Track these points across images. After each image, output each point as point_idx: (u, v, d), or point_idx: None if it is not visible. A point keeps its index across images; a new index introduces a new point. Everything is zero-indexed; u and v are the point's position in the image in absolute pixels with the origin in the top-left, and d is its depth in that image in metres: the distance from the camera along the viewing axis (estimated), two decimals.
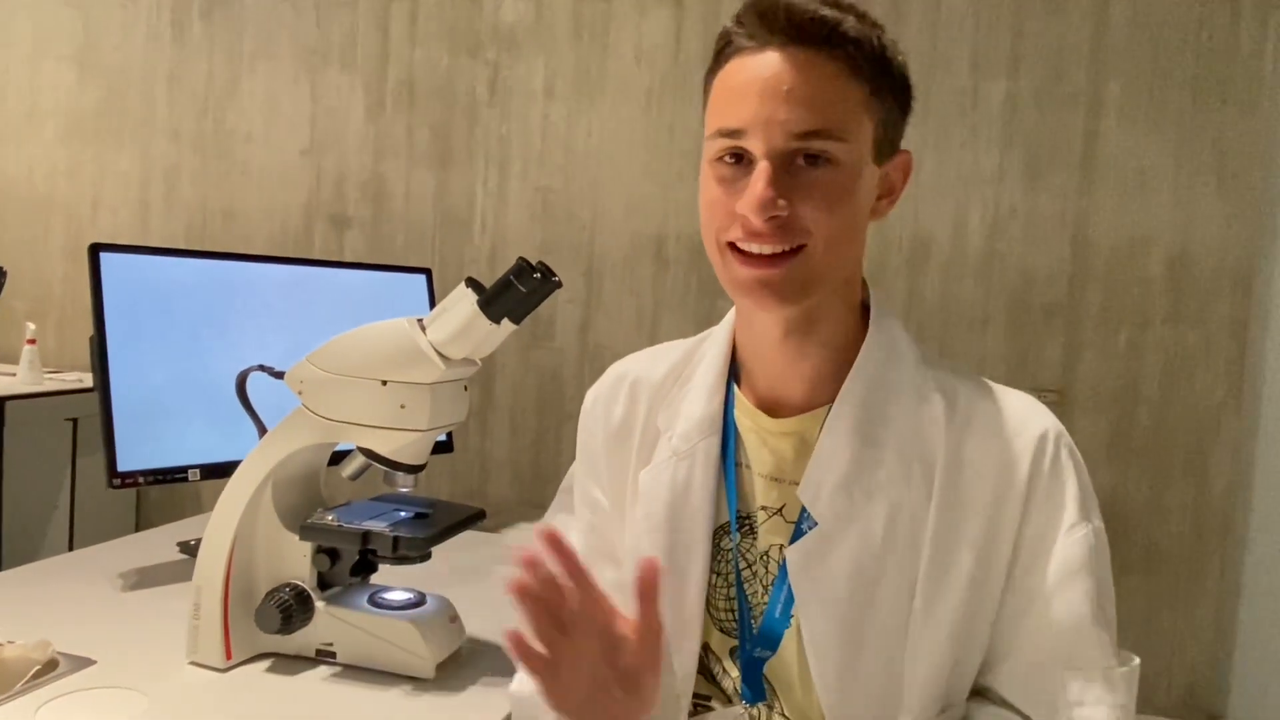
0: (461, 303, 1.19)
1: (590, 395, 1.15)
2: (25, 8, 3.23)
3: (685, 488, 1.01)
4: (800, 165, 0.88)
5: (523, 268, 1.18)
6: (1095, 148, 2.37)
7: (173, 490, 3.02)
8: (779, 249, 0.89)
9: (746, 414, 1.02)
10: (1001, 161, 2.42)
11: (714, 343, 1.06)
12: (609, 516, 1.10)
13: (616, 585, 1.07)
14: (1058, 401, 2.28)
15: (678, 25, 2.62)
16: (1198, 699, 2.31)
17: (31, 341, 2.87)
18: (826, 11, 0.87)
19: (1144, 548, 2.32)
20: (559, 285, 1.22)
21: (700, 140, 0.95)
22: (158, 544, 1.75)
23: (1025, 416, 0.95)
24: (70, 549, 2.71)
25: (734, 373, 1.04)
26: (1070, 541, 0.90)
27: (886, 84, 0.91)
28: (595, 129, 2.69)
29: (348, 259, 2.88)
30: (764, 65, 0.88)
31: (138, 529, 2.89)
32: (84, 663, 1.24)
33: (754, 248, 0.89)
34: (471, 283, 1.20)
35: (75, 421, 2.87)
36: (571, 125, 2.71)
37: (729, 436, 1.02)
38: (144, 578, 1.58)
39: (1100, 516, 0.93)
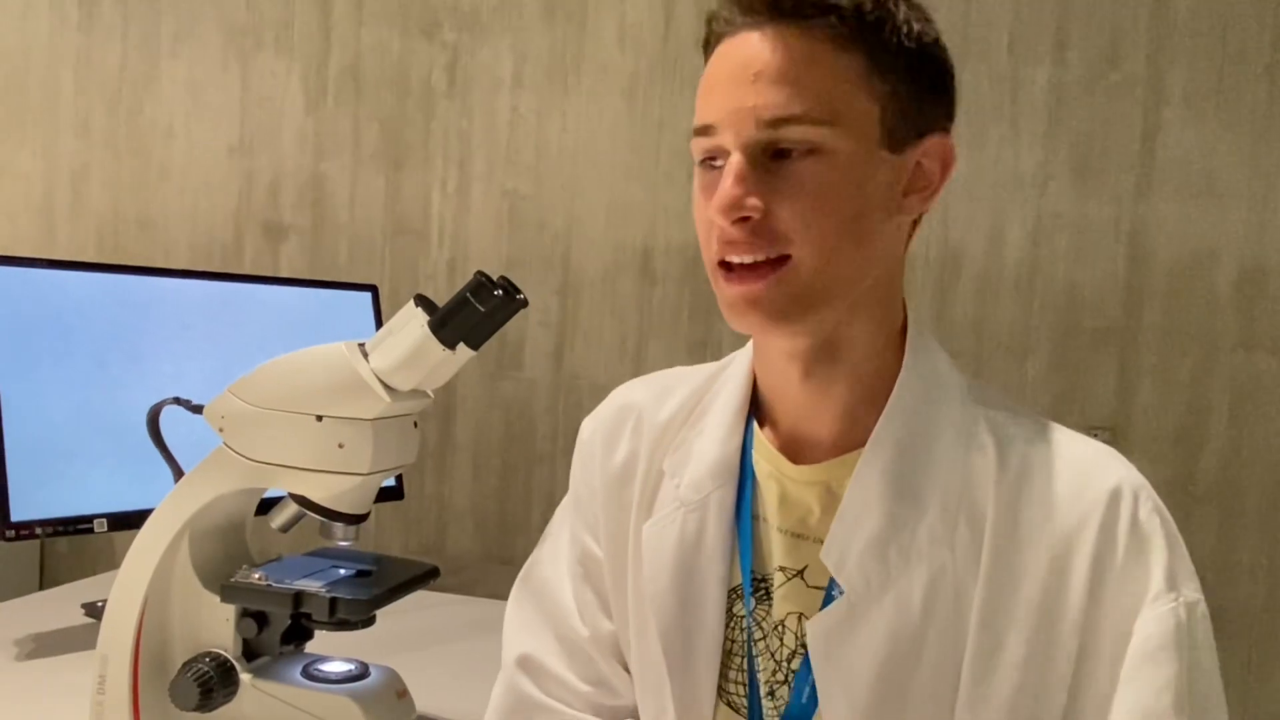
0: (410, 325, 1.19)
1: (588, 426, 1.15)
2: None
3: (696, 544, 1.01)
4: (781, 159, 0.89)
5: (481, 283, 1.18)
6: (1155, 144, 2.37)
7: (82, 542, 3.02)
8: (758, 257, 0.89)
9: (766, 458, 1.01)
10: (1045, 160, 2.43)
11: (732, 374, 1.06)
12: (602, 567, 1.11)
13: (611, 638, 1.10)
14: (1110, 441, 2.24)
15: (667, 2, 2.63)
16: None
17: None
18: None
19: (1210, 614, 2.31)
20: (524, 304, 1.22)
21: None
22: (60, 605, 1.76)
23: (1095, 467, 0.93)
24: None
25: (755, 410, 1.04)
26: (1153, 616, 0.87)
27: (893, 55, 0.91)
28: (571, 123, 2.71)
29: (283, 274, 2.89)
30: (737, 49, 0.90)
31: (42, 586, 2.89)
32: None
33: (733, 258, 0.90)
34: (422, 301, 1.20)
35: None
36: (543, 118, 2.73)
37: (746, 484, 1.01)
38: (42, 645, 1.58)
39: (1198, 588, 0.90)
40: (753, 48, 0.89)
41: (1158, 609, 0.87)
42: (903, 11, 0.91)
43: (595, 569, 1.12)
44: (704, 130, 0.91)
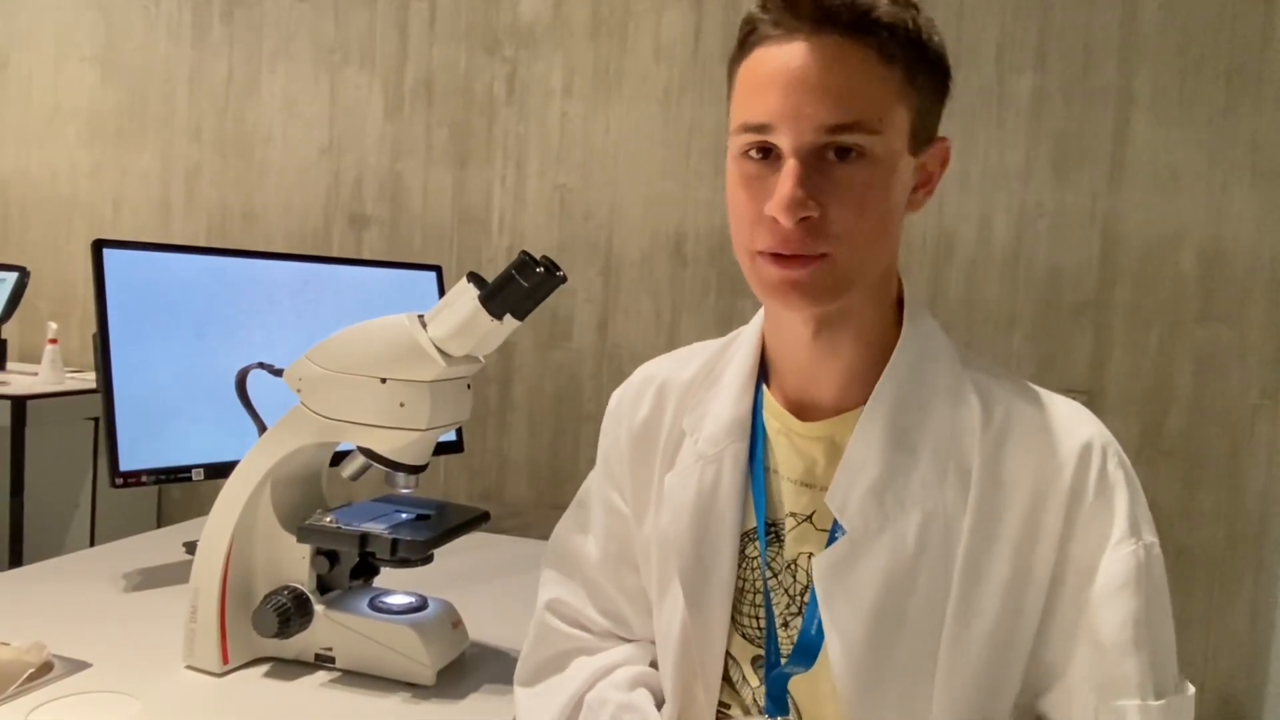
0: (463, 298, 1.16)
1: (615, 396, 1.11)
2: (48, 10, 3.23)
3: (712, 493, 0.97)
4: (831, 161, 0.83)
5: (525, 262, 1.14)
6: (1125, 143, 2.31)
7: (192, 487, 3.01)
8: (808, 252, 0.84)
9: (775, 416, 0.98)
10: (1028, 157, 2.36)
11: (743, 343, 1.03)
12: (627, 521, 1.07)
13: (637, 590, 1.07)
14: (1087, 403, 2.19)
15: (696, 21, 2.57)
16: (1231, 710, 2.24)
17: (53, 341, 2.86)
18: None
19: (1175, 553, 2.25)
20: (563, 281, 1.17)
21: (721, 136, 0.90)
22: (166, 544, 1.73)
23: (1069, 424, 0.88)
24: (92, 547, 2.70)
25: (763, 374, 1.00)
26: (1116, 557, 0.84)
27: (923, 70, 0.85)
28: (613, 126, 2.65)
29: (365, 258, 2.85)
30: (791, 55, 0.82)
31: (159, 527, 2.89)
32: (79, 665, 1.22)
33: (784, 251, 0.84)
34: (473, 277, 1.16)
35: (96, 421, 2.86)
36: (589, 123, 2.67)
37: (757, 440, 0.98)
38: (147, 578, 1.55)
39: (1155, 533, 0.87)
40: (809, 56, 0.82)
41: (1121, 550, 0.84)
42: (926, 27, 0.86)
43: (619, 523, 1.08)
44: (758, 128, 0.84)
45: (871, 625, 0.87)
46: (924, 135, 0.88)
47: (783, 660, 0.95)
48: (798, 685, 0.94)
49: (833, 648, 0.89)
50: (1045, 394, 0.92)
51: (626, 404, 1.08)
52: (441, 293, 1.91)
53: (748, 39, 0.87)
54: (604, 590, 1.09)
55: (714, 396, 1.01)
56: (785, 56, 0.83)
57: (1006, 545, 0.85)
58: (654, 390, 1.06)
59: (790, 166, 0.82)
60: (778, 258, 0.85)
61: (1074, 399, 0.94)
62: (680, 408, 1.04)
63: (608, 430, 1.11)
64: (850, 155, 0.82)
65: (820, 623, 0.91)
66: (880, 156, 0.83)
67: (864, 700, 0.88)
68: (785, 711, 0.94)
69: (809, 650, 0.93)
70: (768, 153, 0.84)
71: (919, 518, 0.87)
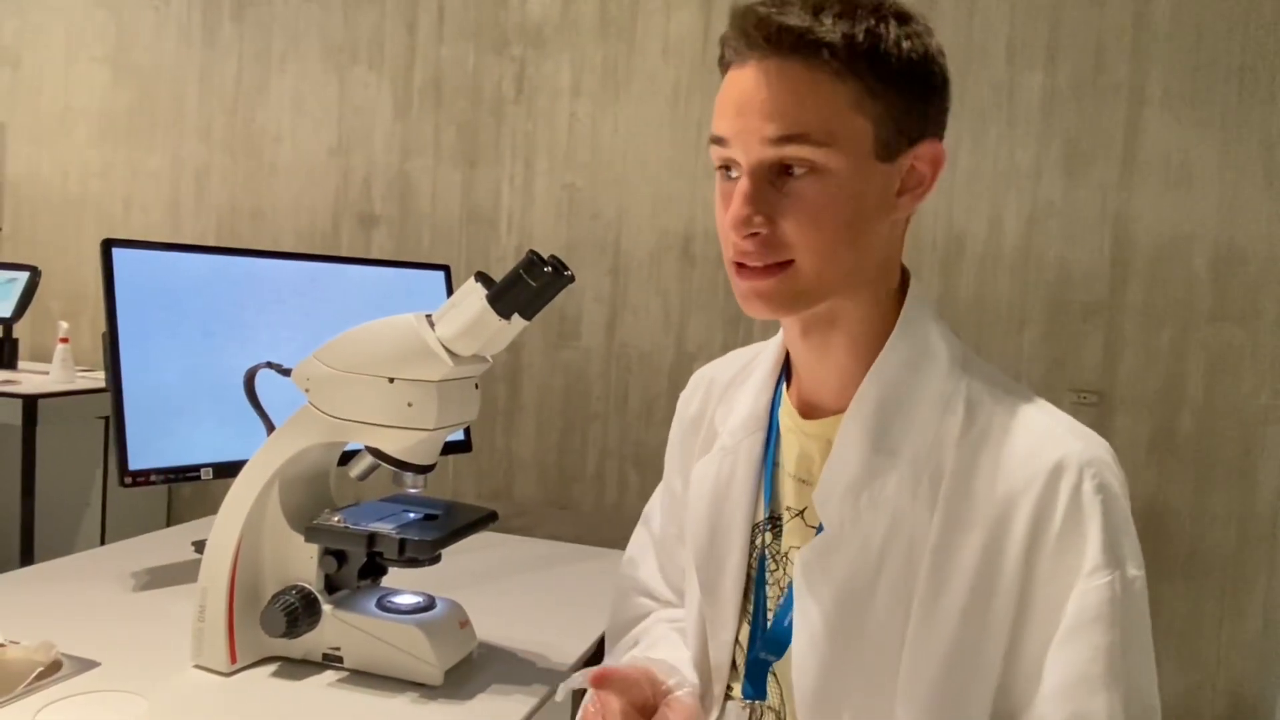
0: (470, 297, 1.15)
1: (681, 395, 1.19)
2: (59, 10, 3.24)
3: (728, 482, 1.02)
4: (785, 177, 0.85)
5: (533, 261, 1.14)
6: (1137, 141, 2.30)
7: (204, 487, 3.02)
8: (767, 262, 0.87)
9: (787, 414, 1.00)
10: (1039, 155, 2.36)
11: (772, 344, 1.06)
12: (682, 503, 1.13)
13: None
14: (1097, 403, 2.21)
15: (705, 20, 2.57)
16: (1242, 713, 2.23)
17: (64, 340, 2.87)
18: (793, 20, 0.83)
19: (1186, 555, 2.24)
20: (571, 280, 1.17)
21: None
22: (176, 542, 1.73)
23: (1047, 439, 0.84)
24: (102, 545, 2.71)
25: (787, 374, 1.03)
26: (1088, 588, 0.79)
27: (885, 79, 0.85)
28: (622, 125, 2.65)
29: (374, 257, 2.86)
30: (744, 78, 0.87)
31: (169, 525, 2.89)
32: (88, 665, 1.21)
33: (746, 262, 0.88)
34: (481, 277, 1.16)
35: (107, 420, 2.87)
36: (598, 122, 2.67)
37: (772, 435, 1.01)
38: (156, 577, 1.55)
39: (1140, 564, 0.82)
40: (758, 78, 0.85)
41: (1094, 582, 0.80)
42: (893, 33, 0.85)
43: (676, 507, 1.15)
44: (718, 141, 0.89)
45: (833, 626, 0.88)
46: (899, 141, 0.88)
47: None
48: (783, 672, 0.95)
49: (796, 641, 0.90)
50: (1042, 407, 0.89)
51: (684, 400, 1.16)
52: (449, 292, 1.90)
53: (721, 62, 0.92)
54: (667, 565, 1.18)
55: (742, 393, 1.06)
56: (740, 79, 0.87)
57: (969, 564, 0.83)
58: (704, 387, 1.13)
59: (740, 185, 0.86)
60: (741, 268, 0.88)
61: (1084, 399, 0.93)
62: (719, 403, 1.10)
63: (673, 425, 1.19)
64: (803, 170, 0.85)
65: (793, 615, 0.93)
66: (833, 169, 0.84)
67: (820, 698, 0.88)
68: (764, 696, 0.96)
69: (778, 641, 0.95)
70: (736, 168, 0.88)
71: (887, 521, 0.87)
